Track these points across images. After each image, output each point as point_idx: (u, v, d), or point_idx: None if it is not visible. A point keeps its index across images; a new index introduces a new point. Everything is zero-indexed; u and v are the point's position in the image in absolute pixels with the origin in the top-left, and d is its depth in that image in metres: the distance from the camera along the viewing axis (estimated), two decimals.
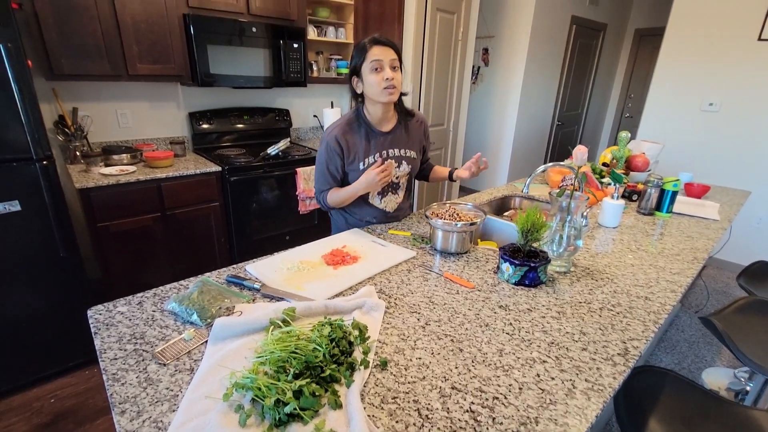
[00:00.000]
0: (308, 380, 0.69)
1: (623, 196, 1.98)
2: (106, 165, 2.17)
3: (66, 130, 2.17)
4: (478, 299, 1.03)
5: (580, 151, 1.17)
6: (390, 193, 1.51)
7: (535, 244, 1.17)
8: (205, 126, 2.68)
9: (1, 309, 1.63)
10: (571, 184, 1.86)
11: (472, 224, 1.26)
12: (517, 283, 1.11)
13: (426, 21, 2.93)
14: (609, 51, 5.34)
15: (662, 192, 1.72)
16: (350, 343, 0.81)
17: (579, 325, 0.94)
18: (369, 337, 0.84)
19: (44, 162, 1.59)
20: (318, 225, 2.84)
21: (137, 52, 2.12)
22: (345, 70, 3.15)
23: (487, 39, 4.43)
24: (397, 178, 1.49)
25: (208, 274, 1.11)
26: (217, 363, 0.76)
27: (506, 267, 1.12)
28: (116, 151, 2.23)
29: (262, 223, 2.59)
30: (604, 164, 2.27)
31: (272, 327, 0.85)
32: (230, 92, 2.81)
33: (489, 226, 1.72)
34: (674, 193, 1.69)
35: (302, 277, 1.11)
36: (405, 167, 1.48)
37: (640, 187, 1.91)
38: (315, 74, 3.04)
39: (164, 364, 0.78)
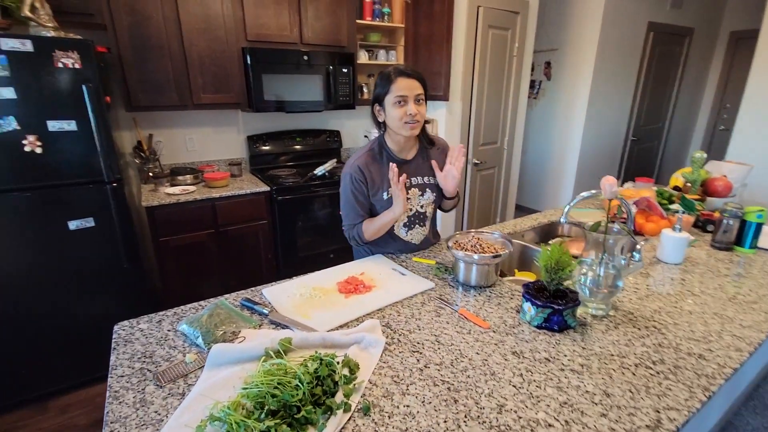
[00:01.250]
0: (279, 421, 0.67)
1: (696, 226, 1.71)
2: (172, 185, 2.41)
3: (142, 153, 2.45)
4: (490, 342, 0.94)
5: (608, 183, 1.03)
6: (417, 225, 1.44)
7: (567, 282, 1.05)
8: (261, 148, 2.86)
9: (73, 311, 1.86)
10: (624, 214, 1.65)
11: (495, 256, 1.17)
12: (539, 327, 1.00)
13: (477, 39, 2.86)
14: (697, 57, 4.77)
15: (743, 223, 1.45)
16: (335, 383, 0.78)
17: (604, 384, 0.81)
18: (356, 377, 0.80)
19: (114, 184, 1.80)
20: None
21: (201, 83, 2.34)
22: None
23: (549, 52, 4.21)
24: (422, 206, 1.43)
25: (227, 295, 1.16)
26: (201, 392, 0.78)
27: (528, 307, 1.01)
28: (181, 172, 2.47)
29: (307, 241, 2.68)
30: (675, 188, 2.00)
31: (264, 357, 0.85)
32: (285, 116, 2.98)
33: (529, 254, 1.59)
34: (759, 225, 1.42)
35: (312, 305, 1.10)
36: (429, 195, 1.42)
37: (717, 215, 1.64)
38: (365, 96, 3.12)
39: (161, 386, 0.81)
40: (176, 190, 2.30)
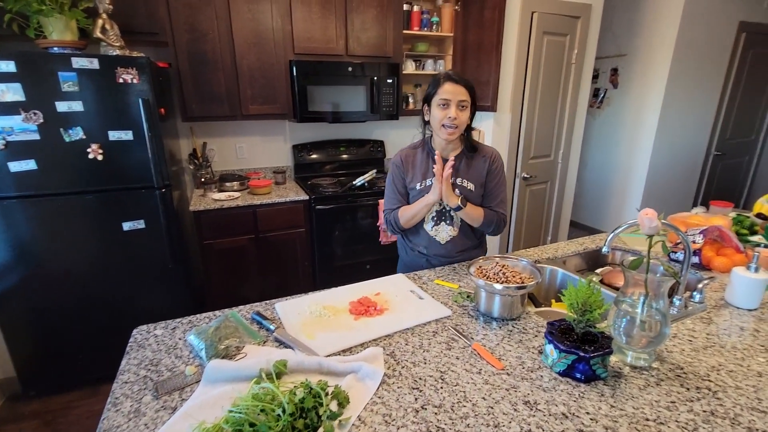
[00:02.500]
0: None
1: None
2: (219, 190, 2.54)
3: (196, 160, 2.62)
4: (501, 386, 0.85)
5: (646, 217, 0.87)
6: (443, 223, 1.45)
7: (602, 325, 0.91)
8: (306, 156, 2.93)
9: (125, 304, 2.02)
10: (693, 242, 1.43)
11: (520, 287, 1.06)
12: (562, 374, 0.88)
13: (530, 46, 2.70)
14: None
15: None
16: (319, 417, 0.73)
17: None
18: (342, 413, 0.75)
19: (163, 190, 1.93)
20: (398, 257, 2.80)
21: (250, 95, 2.45)
22: None
23: (616, 58, 3.87)
24: (448, 206, 1.41)
25: (240, 307, 1.17)
26: (188, 411, 0.77)
27: (550, 350, 0.90)
28: (229, 179, 2.60)
29: (344, 251, 2.68)
30: (758, 215, 1.71)
31: (257, 379, 0.83)
32: (331, 126, 3.03)
33: (570, 284, 1.44)
34: None
35: (319, 325, 1.07)
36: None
37: None
38: (411, 106, 3.08)
39: (157, 397, 0.82)
40: (222, 195, 2.42)
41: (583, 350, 0.84)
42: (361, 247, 2.73)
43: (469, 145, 1.42)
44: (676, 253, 1.43)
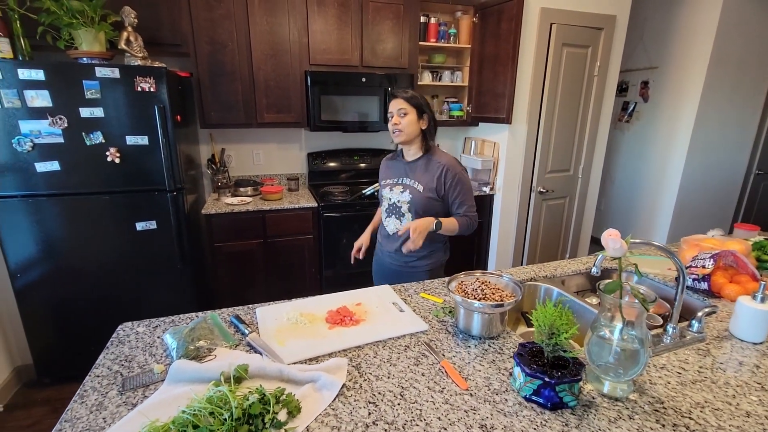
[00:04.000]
0: None
1: None
2: (233, 195, 2.63)
3: (213, 165, 2.73)
4: (461, 407, 0.82)
5: (609, 238, 0.82)
6: (393, 216, 1.64)
7: (582, 348, 0.87)
8: (319, 165, 2.99)
9: (136, 300, 2.11)
10: (702, 267, 1.33)
11: (497, 305, 1.02)
12: (528, 399, 0.84)
13: (548, 58, 2.64)
14: None
15: None
16: (264, 424, 0.73)
17: None
18: (288, 423, 0.75)
19: (174, 193, 2.02)
20: None
21: (265, 104, 2.53)
22: (458, 113, 3.08)
23: (647, 71, 3.71)
24: (399, 201, 1.60)
25: (222, 310, 1.20)
26: (142, 410, 0.79)
27: (518, 372, 0.86)
28: (243, 184, 2.68)
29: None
30: None
31: (216, 382, 0.85)
32: (346, 135, 3.07)
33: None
34: None
35: (292, 332, 1.08)
36: (406, 195, 1.58)
37: None
38: None
39: (122, 393, 0.85)
40: (235, 200, 2.50)
41: (550, 375, 0.80)
42: (368, 255, 2.71)
43: (426, 146, 1.59)
44: (688, 278, 1.34)
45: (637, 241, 0.90)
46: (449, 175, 1.53)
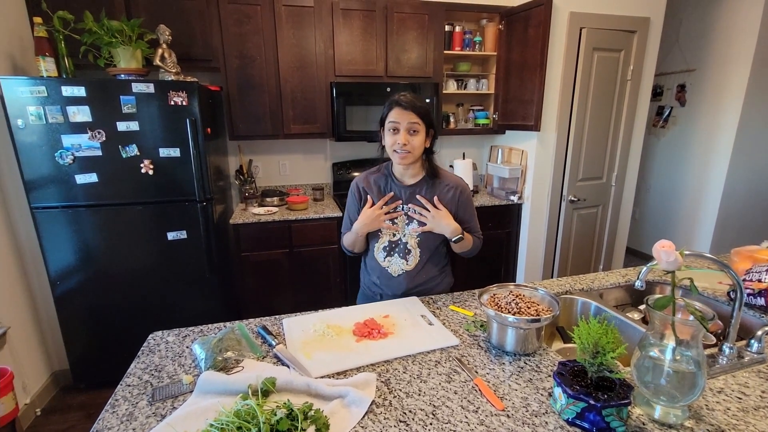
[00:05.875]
0: None
1: None
2: (260, 205, 2.66)
3: (241, 176, 2.78)
4: (497, 429, 0.77)
5: (663, 250, 0.75)
6: (396, 255, 1.36)
7: (628, 369, 0.81)
8: (344, 174, 2.99)
9: (167, 308, 2.15)
10: (758, 281, 1.23)
11: (534, 320, 0.97)
12: (570, 422, 0.78)
13: (578, 64, 2.57)
14: None
15: None
16: None
17: None
18: None
19: (204, 203, 2.06)
20: None
21: (292, 115, 2.57)
22: (484, 121, 3.04)
23: (684, 74, 3.56)
24: (404, 236, 1.35)
25: (249, 320, 1.19)
26: (170, 422, 0.79)
27: (559, 393, 0.80)
28: (270, 194, 2.71)
29: None
30: None
31: (244, 395, 0.83)
32: (370, 145, 3.07)
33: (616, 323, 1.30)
34: None
35: (319, 344, 1.06)
36: (415, 226, 1.33)
37: None
38: (452, 126, 3.04)
39: (151, 403, 0.85)
40: (261, 210, 2.53)
41: (595, 398, 0.74)
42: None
43: (431, 171, 1.33)
44: (733, 293, 1.24)
45: (689, 252, 0.84)
46: (463, 196, 1.35)
